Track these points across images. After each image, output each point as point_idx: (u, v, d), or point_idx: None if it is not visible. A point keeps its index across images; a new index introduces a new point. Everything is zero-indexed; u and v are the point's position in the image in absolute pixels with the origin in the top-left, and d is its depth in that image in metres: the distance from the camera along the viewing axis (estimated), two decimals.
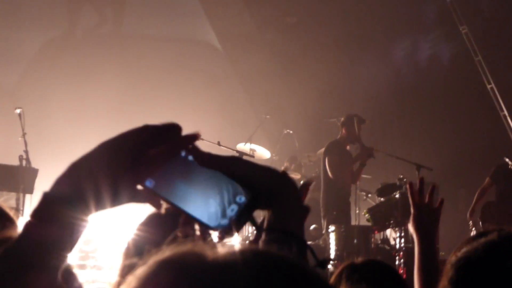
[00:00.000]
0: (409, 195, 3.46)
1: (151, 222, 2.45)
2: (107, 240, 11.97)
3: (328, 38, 14.94)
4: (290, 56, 15.64)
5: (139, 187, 1.45)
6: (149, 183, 1.47)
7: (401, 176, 10.82)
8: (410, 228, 3.39)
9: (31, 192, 10.89)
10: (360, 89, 14.81)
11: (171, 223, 2.41)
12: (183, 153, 1.48)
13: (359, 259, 3.35)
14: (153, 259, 1.09)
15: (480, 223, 11.94)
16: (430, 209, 3.41)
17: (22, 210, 10.66)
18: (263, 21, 15.57)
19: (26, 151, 10.82)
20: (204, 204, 1.51)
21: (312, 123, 14.67)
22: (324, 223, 11.03)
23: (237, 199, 1.51)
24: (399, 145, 14.32)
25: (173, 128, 1.44)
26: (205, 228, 1.53)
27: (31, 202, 10.87)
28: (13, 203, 10.89)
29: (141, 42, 16.40)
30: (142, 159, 1.42)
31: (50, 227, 1.37)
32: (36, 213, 1.38)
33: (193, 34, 16.68)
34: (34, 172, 11.00)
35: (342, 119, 11.40)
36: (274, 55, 15.92)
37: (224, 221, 1.51)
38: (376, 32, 14.90)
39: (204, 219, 1.50)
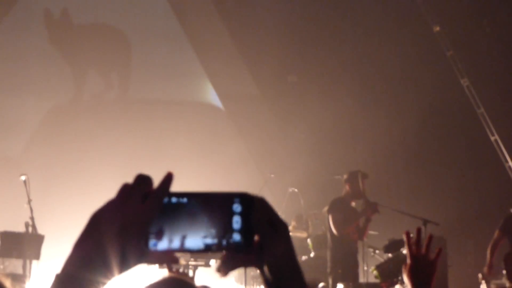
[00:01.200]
0: (406, 246, 3.44)
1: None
2: None
3: (330, 94, 15.03)
4: (292, 114, 15.70)
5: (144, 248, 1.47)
6: (153, 244, 1.49)
7: (409, 232, 10.77)
8: (405, 278, 3.36)
9: (37, 258, 10.88)
10: (364, 144, 14.82)
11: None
12: (165, 199, 1.51)
13: None
14: None
15: (505, 272, 11.78)
16: (426, 261, 3.38)
17: (29, 276, 10.63)
18: (264, 81, 15.67)
19: (32, 218, 10.83)
20: (205, 231, 1.53)
21: (317, 180, 14.65)
22: (330, 280, 10.96)
23: (234, 208, 1.55)
24: (406, 200, 14.28)
25: (146, 178, 1.49)
26: (223, 250, 1.56)
27: (38, 268, 10.86)
28: (19, 269, 10.89)
29: (145, 105, 16.50)
30: (138, 218, 1.45)
31: None
32: None
33: (196, 95, 16.78)
34: (40, 238, 11.00)
35: (345, 176, 11.41)
36: (276, 113, 15.98)
37: (236, 236, 1.55)
38: (381, 87, 14.97)
39: (215, 244, 1.53)
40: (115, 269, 1.44)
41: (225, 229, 1.54)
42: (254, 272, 12.45)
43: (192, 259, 10.03)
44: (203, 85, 16.53)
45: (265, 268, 1.64)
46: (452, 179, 14.43)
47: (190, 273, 9.69)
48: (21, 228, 10.88)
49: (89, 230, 1.46)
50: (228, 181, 15.50)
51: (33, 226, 10.82)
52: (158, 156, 15.54)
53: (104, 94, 16.52)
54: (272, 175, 14.33)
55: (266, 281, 1.65)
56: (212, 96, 16.62)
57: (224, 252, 1.58)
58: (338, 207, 11.12)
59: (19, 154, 15.52)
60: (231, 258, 1.61)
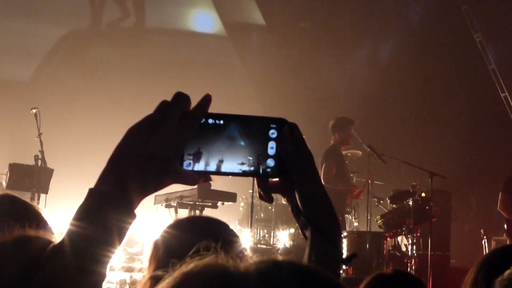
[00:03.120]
0: None
1: (179, 225, 2.47)
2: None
3: (342, 44, 14.98)
4: (302, 62, 15.65)
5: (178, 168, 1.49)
6: (187, 164, 1.52)
7: (414, 183, 10.81)
8: None
9: (46, 192, 10.92)
10: (374, 95, 14.79)
11: (198, 228, 2.47)
12: (202, 120, 1.53)
13: (388, 271, 3.32)
14: (178, 271, 1.10)
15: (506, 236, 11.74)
16: None
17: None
18: (276, 25, 15.60)
19: (41, 151, 10.84)
20: (243, 158, 1.56)
21: (323, 125, 14.68)
22: None
23: (270, 133, 1.58)
24: (412, 151, 14.29)
25: (185, 96, 1.50)
26: (257, 176, 1.59)
27: (46, 201, 10.92)
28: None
29: (158, 36, 16.37)
30: (174, 135, 1.46)
31: (95, 228, 1.39)
32: (81, 212, 1.41)
33: (205, 27, 16.65)
34: (49, 172, 11.03)
35: (331, 123, 11.38)
36: (286, 58, 15.91)
37: (270, 162, 1.58)
38: (396, 40, 14.89)
39: (251, 171, 1.57)
40: (150, 186, 1.45)
41: (260, 154, 1.56)
42: (259, 215, 12.54)
43: (199, 199, 10.11)
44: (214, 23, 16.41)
45: (296, 196, 1.68)
46: (460, 134, 14.41)
47: (197, 213, 9.75)
48: (30, 161, 10.92)
49: (124, 144, 1.45)
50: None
51: (43, 160, 10.84)
52: (171, 88, 15.49)
53: (120, 22, 16.30)
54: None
55: (295, 210, 1.68)
56: (221, 33, 16.50)
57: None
58: (331, 156, 11.15)
59: (30, 84, 15.44)
60: (265, 185, 1.64)
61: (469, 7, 14.00)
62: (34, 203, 2.29)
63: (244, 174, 1.55)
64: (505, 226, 11.21)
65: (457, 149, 14.34)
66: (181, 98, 1.49)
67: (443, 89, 14.81)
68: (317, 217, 1.67)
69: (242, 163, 1.54)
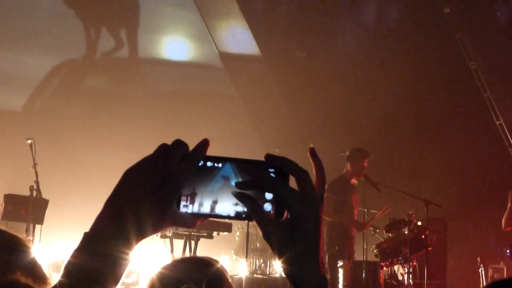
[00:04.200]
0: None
1: (178, 263, 2.51)
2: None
3: (338, 71, 15.01)
4: (299, 89, 15.67)
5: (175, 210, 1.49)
6: (184, 206, 1.52)
7: (410, 212, 10.81)
8: None
9: (41, 222, 10.91)
10: (370, 123, 14.83)
11: (196, 266, 2.50)
12: (200, 162, 1.51)
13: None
14: None
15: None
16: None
17: (32, 240, 10.66)
18: (272, 55, 15.63)
19: (37, 182, 10.85)
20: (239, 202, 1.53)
21: (322, 157, 14.65)
22: (326, 257, 10.98)
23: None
24: (408, 180, 14.29)
25: (184, 143, 1.48)
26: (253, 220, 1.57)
27: (41, 232, 10.90)
28: (23, 233, 10.92)
29: (153, 66, 16.41)
30: (172, 177, 1.45)
31: (93, 262, 1.39)
32: (78, 251, 1.40)
33: (202, 58, 16.65)
34: (45, 202, 11.03)
35: (347, 153, 11.39)
36: (282, 88, 15.95)
37: (267, 207, 1.53)
38: (390, 64, 14.93)
39: (248, 214, 1.53)
40: (148, 229, 1.44)
41: (258, 198, 1.56)
42: (254, 245, 12.52)
43: (195, 229, 10.07)
44: (212, 56, 16.43)
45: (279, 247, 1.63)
46: (455, 162, 14.43)
47: (193, 244, 9.72)
48: (25, 192, 10.91)
49: (122, 187, 1.45)
50: (230, 153, 15.50)
51: (38, 190, 10.84)
52: (167, 118, 15.44)
53: (114, 53, 16.30)
54: (277, 150, 14.34)
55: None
56: (217, 64, 16.53)
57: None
58: (334, 188, 11.10)
59: (25, 114, 15.42)
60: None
61: (463, 35, 14.07)
62: (23, 236, 2.20)
63: (240, 217, 1.55)
64: (508, 251, 11.18)
65: (452, 177, 14.35)
66: (179, 142, 1.49)
67: (438, 118, 14.84)
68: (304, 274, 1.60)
69: (236, 204, 1.54)
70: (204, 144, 1.51)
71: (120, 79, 16.12)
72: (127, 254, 1.43)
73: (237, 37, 16.02)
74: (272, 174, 1.54)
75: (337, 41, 15.02)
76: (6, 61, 15.15)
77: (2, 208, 11.02)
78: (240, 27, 15.54)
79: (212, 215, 1.53)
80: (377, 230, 11.83)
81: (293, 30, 15.27)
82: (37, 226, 10.86)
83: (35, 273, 2.03)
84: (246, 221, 1.60)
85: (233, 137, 15.75)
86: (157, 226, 1.46)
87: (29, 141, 11.09)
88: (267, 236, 1.54)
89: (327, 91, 14.92)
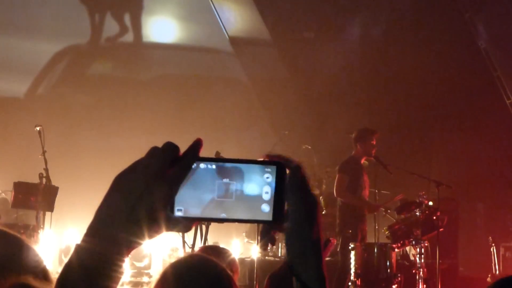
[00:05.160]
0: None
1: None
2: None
3: (346, 52, 14.95)
4: (307, 71, 15.63)
5: (170, 215, 1.45)
6: (178, 210, 1.47)
7: (421, 194, 10.77)
8: None
9: (51, 210, 10.93)
10: (380, 103, 14.77)
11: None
12: (194, 165, 1.48)
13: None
14: None
15: None
16: None
17: (42, 227, 10.69)
18: (280, 37, 15.57)
19: (46, 169, 10.86)
20: (234, 202, 1.51)
21: (331, 138, 14.62)
22: (339, 240, 10.98)
23: (265, 177, 1.52)
24: (419, 161, 14.26)
25: (175, 146, 1.45)
26: (251, 222, 1.54)
27: (51, 219, 10.92)
28: (33, 220, 10.95)
29: (159, 51, 16.37)
30: (165, 182, 1.42)
31: (86, 276, 1.38)
32: (68, 264, 1.39)
33: (208, 41, 16.58)
34: (54, 190, 11.05)
35: (354, 134, 11.35)
36: (291, 70, 15.90)
37: (265, 208, 1.52)
38: (400, 47, 14.86)
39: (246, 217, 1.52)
40: (140, 236, 1.41)
41: (254, 199, 1.52)
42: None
43: None
44: (220, 39, 16.35)
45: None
46: (465, 142, 14.37)
47: (204, 228, 9.70)
48: (35, 179, 10.92)
49: (113, 193, 1.41)
50: (241, 137, 15.49)
51: (47, 178, 10.85)
52: (175, 105, 15.41)
53: (119, 38, 16.23)
54: (286, 132, 14.33)
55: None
56: (226, 48, 16.47)
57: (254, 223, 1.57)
58: (346, 169, 11.12)
59: (33, 101, 15.40)
60: (264, 227, 1.58)
61: (472, 14, 13.97)
62: (26, 239, 2.17)
63: (236, 220, 1.52)
64: None
65: (463, 157, 14.30)
66: (171, 145, 1.45)
67: (447, 98, 14.76)
68: (303, 273, 1.59)
69: (233, 206, 1.51)
70: (197, 145, 1.47)
71: (127, 64, 16.10)
72: (120, 266, 1.40)
73: (246, 19, 15.96)
74: (268, 174, 1.52)
75: (345, 22, 14.95)
76: (13, 48, 15.15)
77: (12, 196, 11.05)
78: (248, 10, 15.48)
79: (207, 218, 1.50)
80: (389, 211, 11.80)
81: (301, 11, 15.20)
82: (47, 213, 10.88)
83: (44, 275, 2.01)
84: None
85: (243, 121, 15.75)
86: (151, 233, 1.42)
87: (38, 128, 11.11)
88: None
89: (336, 73, 14.86)
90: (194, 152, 1.46)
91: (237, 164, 1.52)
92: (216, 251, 5.43)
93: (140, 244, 1.42)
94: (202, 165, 1.49)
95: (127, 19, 15.89)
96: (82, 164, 13.89)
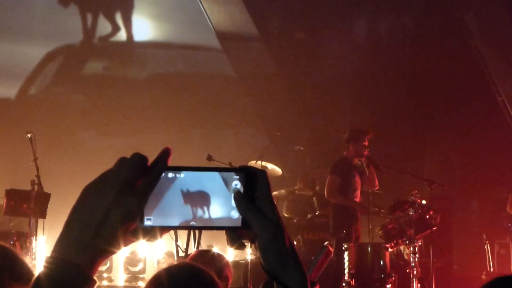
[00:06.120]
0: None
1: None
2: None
3: (337, 51, 14.95)
4: (299, 71, 15.62)
5: (139, 225, 1.46)
6: (147, 220, 1.47)
7: (414, 193, 10.79)
8: None
9: (43, 216, 10.92)
10: (372, 104, 14.78)
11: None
12: (162, 174, 1.48)
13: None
14: None
15: None
16: None
17: (35, 235, 10.68)
18: (271, 36, 15.56)
19: (38, 176, 10.85)
20: (203, 209, 1.51)
21: (324, 139, 14.64)
22: (333, 240, 10.99)
23: (233, 185, 1.53)
24: (411, 160, 14.28)
25: (143, 156, 1.45)
26: (220, 229, 1.55)
27: (44, 226, 10.91)
28: (26, 227, 10.94)
29: (151, 49, 16.31)
30: (134, 192, 1.42)
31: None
32: (40, 276, 1.38)
33: (199, 41, 16.52)
34: (47, 196, 11.03)
35: (346, 134, 11.36)
36: (282, 69, 15.88)
37: (234, 214, 1.53)
38: (391, 47, 14.87)
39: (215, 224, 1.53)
40: (109, 247, 1.42)
41: (223, 206, 1.53)
42: None
43: None
44: (211, 43, 16.31)
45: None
46: (458, 140, 14.40)
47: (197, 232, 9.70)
48: (27, 186, 10.90)
49: (82, 205, 1.42)
50: (234, 139, 15.49)
51: (39, 184, 10.84)
52: (163, 107, 15.36)
53: (111, 37, 16.13)
54: (279, 133, 14.33)
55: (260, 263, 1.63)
56: (218, 52, 16.44)
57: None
58: (338, 170, 11.14)
59: (24, 106, 15.31)
60: (232, 234, 1.59)
61: (464, 12, 13.96)
62: (15, 250, 2.17)
63: (206, 227, 1.52)
64: None
65: (455, 155, 14.33)
66: (139, 155, 1.45)
67: (439, 96, 14.77)
68: (280, 273, 1.59)
69: (202, 214, 1.51)
70: (165, 154, 1.48)
71: (120, 63, 16.03)
72: (91, 276, 1.40)
73: (234, 17, 15.92)
74: (237, 181, 1.52)
75: (337, 23, 14.94)
76: (3, 51, 15.08)
77: (4, 203, 11.03)
78: (237, 7, 15.44)
79: (177, 227, 1.51)
80: (382, 210, 11.81)
81: (292, 11, 15.19)
82: (40, 220, 10.87)
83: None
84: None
85: (233, 119, 15.73)
86: (121, 243, 1.43)
87: (29, 135, 11.07)
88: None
89: (328, 73, 14.87)
90: (162, 162, 1.47)
91: (206, 172, 1.52)
92: (209, 256, 5.44)
93: (111, 253, 1.43)
94: (170, 174, 1.49)
95: (118, 18, 15.80)
96: (75, 167, 13.80)
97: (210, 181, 1.52)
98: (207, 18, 15.52)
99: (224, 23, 16.00)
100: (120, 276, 12.00)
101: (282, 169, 13.16)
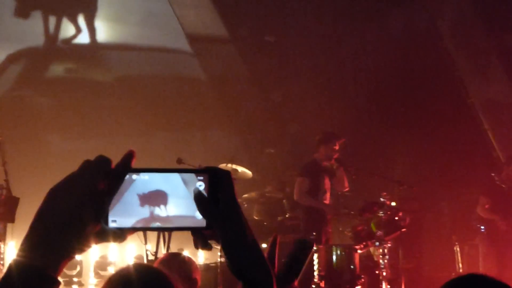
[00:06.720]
0: None
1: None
2: (91, 264, 11.99)
3: (308, 56, 14.97)
4: (269, 73, 15.61)
5: (104, 226, 1.46)
6: (112, 222, 1.48)
7: (384, 194, 10.83)
8: None
9: (12, 221, 10.82)
10: (341, 106, 14.80)
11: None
12: (127, 176, 1.50)
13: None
14: None
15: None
16: None
17: (4, 239, 10.60)
18: (241, 39, 15.54)
19: (6, 180, 10.76)
20: (168, 211, 1.53)
21: (294, 141, 14.66)
22: None
23: (197, 185, 1.55)
24: (383, 162, 14.32)
25: (106, 159, 1.47)
26: (185, 230, 1.56)
27: (12, 230, 10.82)
28: None
29: (122, 51, 16.15)
30: (99, 195, 1.43)
31: None
32: (5, 278, 1.40)
33: (167, 41, 16.40)
34: (15, 200, 10.93)
35: (318, 137, 11.40)
36: (253, 72, 15.87)
37: (198, 215, 1.55)
38: (359, 48, 14.90)
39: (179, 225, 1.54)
40: (75, 249, 1.43)
41: (185, 207, 1.53)
42: None
43: None
44: (181, 46, 16.23)
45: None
46: (428, 142, 14.45)
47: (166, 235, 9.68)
48: None
49: (47, 207, 1.44)
50: (204, 142, 15.45)
51: (8, 189, 10.75)
52: (131, 109, 15.23)
53: (74, 39, 15.89)
54: (249, 136, 14.33)
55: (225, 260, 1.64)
56: (188, 55, 16.37)
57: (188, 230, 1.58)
58: (307, 172, 11.18)
59: None
60: (198, 235, 1.59)
61: (434, 13, 14.02)
62: None
63: (170, 228, 1.53)
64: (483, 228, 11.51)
65: (426, 157, 14.38)
66: (103, 158, 1.47)
67: (409, 98, 14.82)
68: (246, 271, 1.61)
69: (166, 215, 1.52)
70: (129, 157, 1.49)
71: (87, 66, 15.86)
72: (56, 278, 1.41)
73: (205, 20, 15.86)
74: (200, 182, 1.53)
75: (306, 26, 14.95)
76: None
77: None
78: (207, 11, 15.38)
79: (141, 228, 1.51)
80: (352, 212, 11.84)
81: (262, 14, 15.19)
82: (9, 225, 10.78)
83: None
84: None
85: (204, 122, 15.68)
86: (86, 244, 1.45)
87: None
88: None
89: (298, 76, 14.88)
90: (126, 164, 1.49)
91: (170, 174, 1.53)
92: (178, 259, 5.44)
93: (77, 254, 1.45)
94: (135, 176, 1.50)
95: (81, 20, 15.60)
96: (44, 170, 13.65)
97: (171, 183, 1.53)
98: (178, 21, 15.47)
99: (195, 26, 15.95)
100: (90, 280, 11.95)
101: (252, 172, 13.15)
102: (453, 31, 14.20)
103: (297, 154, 13.64)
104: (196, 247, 1.61)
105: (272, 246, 1.94)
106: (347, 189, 11.52)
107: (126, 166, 1.49)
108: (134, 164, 1.52)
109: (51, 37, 15.42)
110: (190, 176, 1.55)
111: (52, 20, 15.30)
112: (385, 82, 14.66)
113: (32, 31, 15.26)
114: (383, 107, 14.95)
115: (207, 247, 1.60)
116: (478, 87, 14.14)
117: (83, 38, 15.54)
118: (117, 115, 14.97)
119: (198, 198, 1.54)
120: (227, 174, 1.58)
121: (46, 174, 13.32)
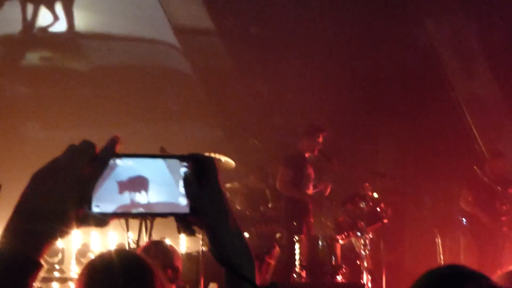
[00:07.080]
0: None
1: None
2: (73, 251, 11.98)
3: (292, 47, 14.96)
4: (254, 64, 15.60)
5: (87, 211, 1.47)
6: (96, 207, 1.48)
7: (366, 185, 10.87)
8: None
9: None
10: (325, 97, 14.81)
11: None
12: (110, 161, 1.51)
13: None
14: None
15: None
16: None
17: None
18: (226, 30, 15.52)
19: None
20: (152, 196, 1.54)
21: (277, 132, 14.66)
22: (285, 232, 11.03)
23: (181, 171, 1.56)
24: (365, 154, 14.35)
25: (91, 143, 1.48)
26: (169, 216, 1.56)
27: None
28: None
29: (97, 41, 15.99)
30: (83, 179, 1.44)
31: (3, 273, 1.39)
32: None
33: (153, 32, 16.25)
34: None
35: (302, 129, 11.44)
36: (238, 63, 15.86)
37: (182, 201, 1.56)
38: (346, 41, 14.92)
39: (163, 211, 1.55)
40: (58, 233, 1.43)
41: (169, 193, 1.54)
42: None
43: None
44: (166, 37, 16.15)
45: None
46: (411, 134, 14.49)
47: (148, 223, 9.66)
48: None
49: (31, 191, 1.44)
50: (187, 132, 15.41)
51: None
52: (112, 99, 15.14)
53: (51, 27, 15.69)
54: (233, 126, 14.32)
55: (209, 247, 1.65)
56: (172, 47, 16.30)
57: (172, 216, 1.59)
58: (290, 162, 11.20)
59: None
60: (181, 221, 1.60)
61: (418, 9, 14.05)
62: None
63: (153, 213, 1.54)
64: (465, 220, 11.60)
65: (408, 149, 14.42)
66: (87, 143, 1.48)
67: (392, 90, 14.85)
68: (229, 257, 1.62)
69: (150, 201, 1.52)
70: (113, 142, 1.50)
71: (65, 55, 15.70)
72: (38, 261, 1.42)
73: (191, 11, 15.80)
74: (184, 168, 1.55)
75: (292, 17, 14.95)
76: None
77: None
78: (193, 1, 15.32)
79: (124, 213, 1.52)
80: (334, 203, 11.88)
81: (247, 5, 15.17)
82: None
83: None
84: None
85: (187, 112, 15.64)
86: (68, 228, 1.45)
87: None
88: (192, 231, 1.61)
89: (282, 68, 14.87)
90: (110, 149, 1.50)
91: (154, 159, 1.54)
92: (160, 247, 5.46)
93: (59, 238, 1.45)
94: (119, 161, 1.51)
95: (58, 8, 15.41)
96: (24, 158, 13.65)
97: (154, 169, 1.54)
98: (163, 12, 15.41)
99: (181, 17, 15.91)
100: (72, 267, 11.94)
101: (236, 162, 13.14)
102: (439, 27, 14.24)
103: (280, 145, 13.63)
104: (179, 232, 1.61)
105: None
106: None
107: (110, 151, 1.50)
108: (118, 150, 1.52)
109: (28, 25, 15.22)
110: (175, 163, 1.55)
111: (29, 8, 15.12)
112: (370, 76, 14.67)
113: (8, 18, 15.09)
114: (368, 100, 14.96)
115: (191, 233, 1.60)
116: (462, 82, 14.18)
117: (61, 26, 15.36)
118: (96, 105, 14.85)
119: (187, 181, 1.55)
120: (211, 160, 1.61)
121: (24, 163, 13.26)
